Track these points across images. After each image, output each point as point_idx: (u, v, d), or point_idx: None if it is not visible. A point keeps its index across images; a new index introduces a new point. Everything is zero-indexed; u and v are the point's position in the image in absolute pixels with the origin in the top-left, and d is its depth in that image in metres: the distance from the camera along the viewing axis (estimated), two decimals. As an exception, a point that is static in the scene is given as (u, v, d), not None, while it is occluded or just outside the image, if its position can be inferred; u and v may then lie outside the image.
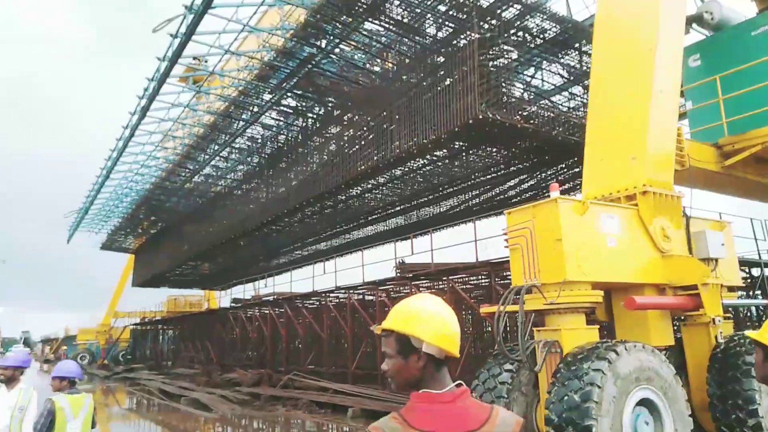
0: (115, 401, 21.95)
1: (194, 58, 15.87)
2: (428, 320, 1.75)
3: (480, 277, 15.74)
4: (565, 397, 5.31)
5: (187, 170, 22.98)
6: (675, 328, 7.65)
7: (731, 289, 7.82)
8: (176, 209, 27.57)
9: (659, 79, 7.23)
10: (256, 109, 17.43)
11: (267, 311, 23.83)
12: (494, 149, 15.09)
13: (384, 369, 1.77)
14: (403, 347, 1.75)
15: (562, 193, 17.11)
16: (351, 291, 18.58)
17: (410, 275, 15.96)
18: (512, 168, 16.59)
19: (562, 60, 13.77)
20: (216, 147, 20.63)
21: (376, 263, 18.21)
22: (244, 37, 14.71)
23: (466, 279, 16.34)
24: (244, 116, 18.30)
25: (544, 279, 6.19)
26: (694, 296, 6.76)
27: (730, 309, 7.34)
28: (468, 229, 24.77)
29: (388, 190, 19.57)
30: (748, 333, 2.63)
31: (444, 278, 15.21)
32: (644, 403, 5.62)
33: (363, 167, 14.77)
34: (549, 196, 6.38)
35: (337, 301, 20.32)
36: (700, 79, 9.14)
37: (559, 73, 14.20)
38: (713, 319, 6.65)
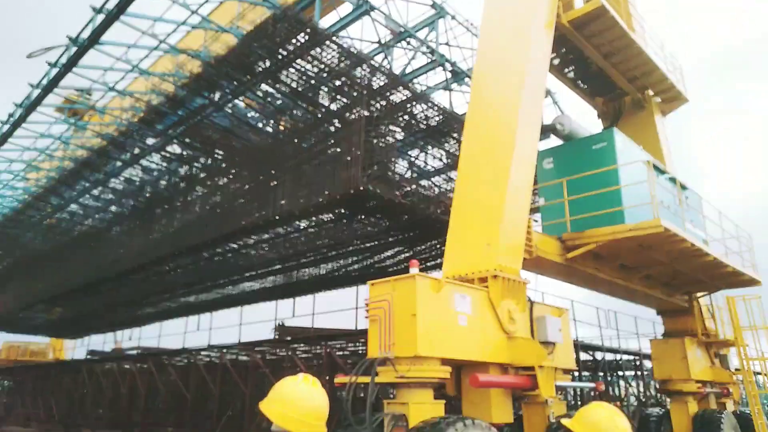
0: None
1: (77, 90, 15.12)
2: (277, 401, 1.91)
3: (358, 344, 15.87)
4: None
5: (49, 205, 21.15)
6: (516, 405, 8.23)
7: (566, 371, 8.61)
8: (31, 245, 25.02)
9: (514, 177, 8.13)
10: (137, 151, 16.74)
11: (128, 366, 21.94)
12: (375, 220, 15.68)
13: None
14: (266, 424, 1.93)
15: (434, 268, 18.17)
16: (225, 350, 17.83)
17: (288, 338, 15.69)
18: (391, 239, 17.26)
19: (443, 146, 14.92)
20: (87, 184, 19.32)
21: (254, 323, 17.80)
22: (134, 78, 14.35)
23: (344, 345, 16.36)
24: (123, 156, 17.46)
25: (398, 352, 6.46)
26: (532, 377, 7.37)
27: (563, 390, 8.06)
28: (349, 293, 25.05)
29: (269, 248, 19.37)
30: (563, 420, 2.94)
31: (322, 343, 15.13)
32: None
33: (244, 223, 14.61)
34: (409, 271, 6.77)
35: (208, 360, 19.27)
36: (552, 179, 10.36)
37: (439, 158, 15.31)
38: (546, 400, 7.26)
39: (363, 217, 15.43)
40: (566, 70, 12.97)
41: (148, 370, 20.62)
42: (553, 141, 12.40)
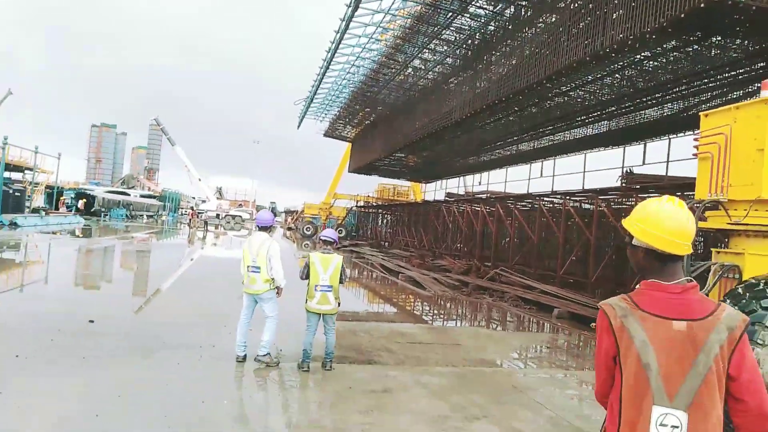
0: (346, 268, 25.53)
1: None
2: (645, 220, 1.89)
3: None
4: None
5: (397, 63, 23.72)
6: None
7: None
8: (388, 102, 29.00)
9: None
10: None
11: (478, 208, 24.51)
12: (739, 42, 12.53)
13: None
14: (629, 239, 1.96)
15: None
16: (568, 197, 17.95)
17: (637, 187, 14.64)
18: (763, 64, 13.64)
19: None
20: (425, 39, 20.76)
21: (599, 170, 17.21)
22: None
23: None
24: (452, 6, 17.90)
25: (732, 195, 5.29)
26: None
27: None
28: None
29: (604, 88, 17.80)
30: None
31: (678, 193, 13.67)
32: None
33: (569, 60, 13.57)
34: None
35: (551, 205, 19.89)
36: None
37: None
38: None
39: (720, 39, 12.49)
40: None
41: (496, 212, 22.55)
42: None
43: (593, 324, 1.92)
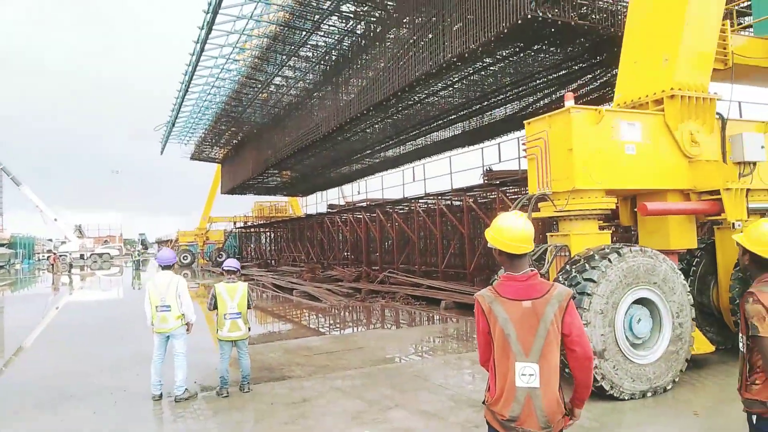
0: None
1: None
2: (494, 230, 2.63)
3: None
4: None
5: (258, 81, 23.85)
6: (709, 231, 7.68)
7: (774, 192, 7.58)
8: (254, 120, 28.91)
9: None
10: (317, 17, 17.57)
11: (360, 216, 25.33)
12: (557, 49, 14.48)
13: None
14: (487, 243, 2.69)
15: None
16: (439, 197, 19.36)
17: (497, 182, 16.26)
18: (581, 65, 15.86)
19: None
20: (283, 57, 21.17)
21: (463, 171, 18.90)
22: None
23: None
24: (306, 25, 18.53)
25: (555, 188, 6.44)
26: (717, 201, 6.74)
27: (763, 213, 7.20)
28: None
29: (456, 93, 19.40)
30: (734, 236, 3.03)
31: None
32: (643, 302, 5.97)
33: (419, 73, 14.79)
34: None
35: (426, 206, 21.27)
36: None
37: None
38: (732, 224, 6.64)
39: (545, 46, 14.37)
40: None
41: (377, 218, 23.62)
42: None
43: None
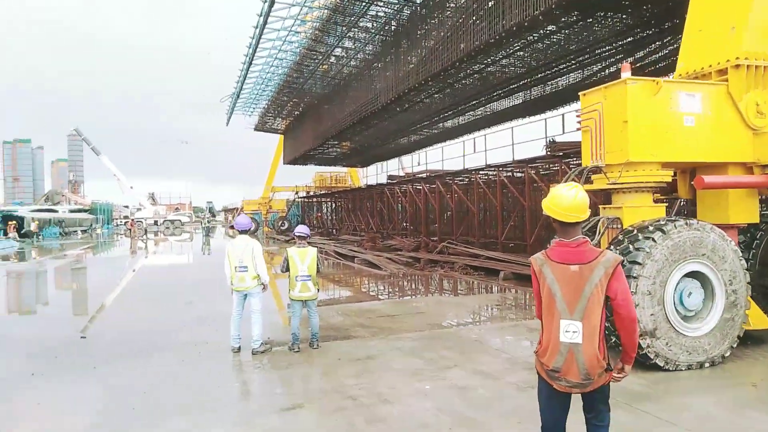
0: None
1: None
2: (548, 198, 2.92)
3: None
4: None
5: (319, 53, 24.21)
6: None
7: None
8: (315, 91, 29.42)
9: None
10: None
11: (419, 187, 25.61)
12: (618, 15, 13.97)
13: None
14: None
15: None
16: (501, 168, 19.29)
17: (560, 153, 16.03)
18: (648, 32, 15.21)
19: None
20: (343, 29, 21.36)
21: (526, 142, 18.67)
22: None
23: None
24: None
25: (608, 160, 6.43)
26: (782, 175, 6.52)
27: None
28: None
29: (517, 62, 19.04)
30: None
31: None
32: (694, 275, 5.95)
33: (478, 42, 14.65)
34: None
35: (487, 178, 21.22)
36: None
37: None
38: (797, 199, 6.42)
39: (611, 12, 13.88)
40: None
41: (437, 189, 23.81)
42: None
43: None
